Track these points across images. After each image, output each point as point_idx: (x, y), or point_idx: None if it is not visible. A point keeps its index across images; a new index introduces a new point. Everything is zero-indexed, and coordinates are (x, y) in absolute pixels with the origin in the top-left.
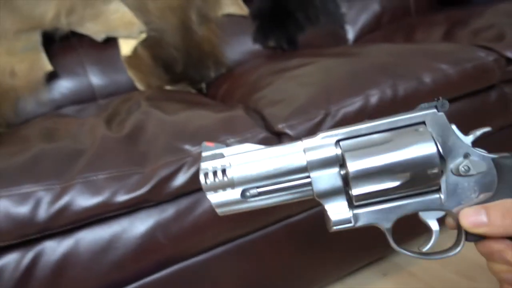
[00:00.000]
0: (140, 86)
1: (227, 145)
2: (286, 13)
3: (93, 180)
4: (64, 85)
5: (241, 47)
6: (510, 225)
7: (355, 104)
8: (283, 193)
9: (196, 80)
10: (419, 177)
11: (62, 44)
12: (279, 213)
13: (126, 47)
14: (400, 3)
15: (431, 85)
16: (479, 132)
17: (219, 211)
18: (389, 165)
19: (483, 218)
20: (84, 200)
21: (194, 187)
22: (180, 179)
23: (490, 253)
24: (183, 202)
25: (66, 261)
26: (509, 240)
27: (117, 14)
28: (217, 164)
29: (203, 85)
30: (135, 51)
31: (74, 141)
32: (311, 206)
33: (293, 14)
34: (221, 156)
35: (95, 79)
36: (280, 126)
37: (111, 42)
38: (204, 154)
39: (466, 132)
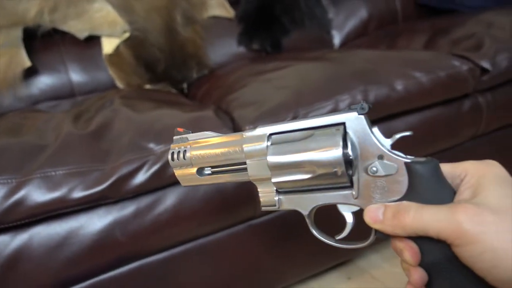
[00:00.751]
0: (120, 84)
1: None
2: (271, 17)
3: (51, 175)
4: (43, 81)
5: (225, 49)
6: (397, 225)
7: (324, 108)
8: (229, 174)
9: (178, 80)
10: (327, 174)
11: (44, 41)
12: (243, 214)
13: (109, 45)
14: (388, 10)
15: (402, 92)
16: (398, 135)
17: (182, 184)
18: (299, 161)
19: (380, 215)
20: (40, 195)
21: (155, 186)
22: (141, 177)
23: (395, 251)
24: (144, 200)
25: (19, 255)
26: (410, 240)
27: (101, 13)
28: (181, 146)
29: (185, 86)
30: (117, 49)
31: (38, 137)
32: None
33: (278, 17)
34: (186, 140)
35: (75, 76)
36: (247, 128)
37: (93, 40)
38: (175, 137)
39: (438, 137)
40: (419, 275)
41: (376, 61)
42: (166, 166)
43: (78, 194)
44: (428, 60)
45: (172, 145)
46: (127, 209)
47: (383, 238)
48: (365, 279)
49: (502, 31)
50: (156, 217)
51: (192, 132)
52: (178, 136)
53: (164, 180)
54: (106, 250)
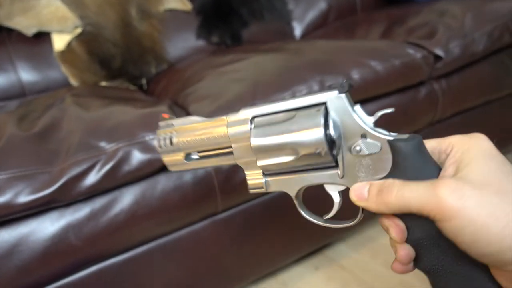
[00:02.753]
0: (74, 82)
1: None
2: (229, 9)
3: None
4: None
5: (184, 43)
6: (381, 203)
7: None
8: (216, 158)
9: (136, 76)
10: (310, 155)
11: None
12: (204, 211)
13: (60, 42)
14: (346, 1)
15: (359, 81)
16: (380, 113)
17: (170, 169)
18: (282, 144)
19: (365, 193)
20: None
21: (108, 186)
22: (92, 178)
23: (383, 228)
24: (98, 202)
25: None
26: (396, 217)
27: (50, 8)
28: (167, 132)
29: (144, 81)
30: (69, 46)
31: None
32: (237, 203)
33: (236, 10)
34: (172, 125)
35: (25, 75)
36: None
37: (43, 37)
38: (160, 123)
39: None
40: (405, 252)
41: (333, 51)
42: (119, 165)
43: (24, 198)
44: (384, 49)
45: (157, 131)
46: (81, 211)
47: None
48: (333, 269)
49: (455, 19)
50: (112, 218)
51: (176, 118)
52: (164, 122)
53: (118, 179)
54: (60, 256)
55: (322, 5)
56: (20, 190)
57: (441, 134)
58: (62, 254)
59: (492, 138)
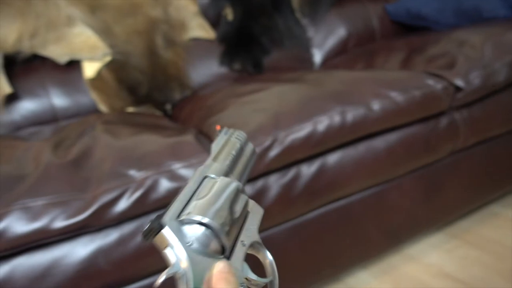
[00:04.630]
0: (103, 107)
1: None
2: (251, 37)
3: (31, 206)
4: (25, 107)
5: (207, 69)
6: None
7: (303, 130)
8: None
9: (160, 102)
10: None
11: (24, 66)
12: None
13: (90, 69)
14: (365, 28)
15: (379, 113)
16: None
17: None
18: None
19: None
20: (20, 227)
21: (137, 212)
22: (123, 205)
23: None
24: (127, 227)
25: None
26: None
27: (81, 37)
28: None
29: (168, 107)
30: (99, 73)
31: (16, 166)
32: None
33: (257, 38)
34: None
35: (57, 100)
36: None
37: (74, 64)
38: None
39: None
40: None
41: (353, 82)
42: (147, 192)
43: (59, 224)
44: (403, 80)
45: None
46: (110, 236)
47: None
48: None
49: (474, 50)
50: (140, 244)
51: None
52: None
53: (146, 206)
54: (90, 279)
55: (341, 32)
56: (56, 216)
57: (464, 163)
58: (92, 278)
59: None
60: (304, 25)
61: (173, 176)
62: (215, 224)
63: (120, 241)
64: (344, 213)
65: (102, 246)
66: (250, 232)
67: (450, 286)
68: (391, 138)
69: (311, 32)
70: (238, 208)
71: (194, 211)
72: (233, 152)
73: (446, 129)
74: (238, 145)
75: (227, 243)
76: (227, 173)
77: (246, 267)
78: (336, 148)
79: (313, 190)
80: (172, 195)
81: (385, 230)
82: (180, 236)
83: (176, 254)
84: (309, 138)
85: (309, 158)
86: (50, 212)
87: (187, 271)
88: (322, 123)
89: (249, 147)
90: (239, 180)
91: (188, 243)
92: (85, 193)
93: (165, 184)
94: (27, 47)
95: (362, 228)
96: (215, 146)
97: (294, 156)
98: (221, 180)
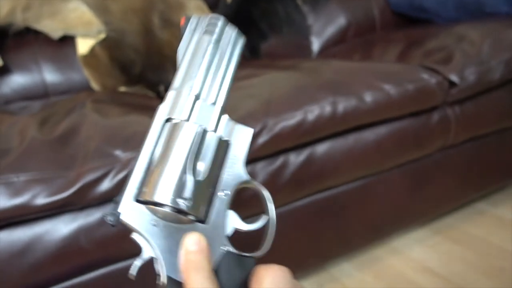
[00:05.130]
0: (95, 85)
1: None
2: (249, 22)
3: (14, 181)
4: (16, 81)
5: None
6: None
7: (293, 118)
8: None
9: (154, 83)
10: None
11: (16, 40)
12: None
13: (83, 46)
14: (366, 18)
15: (371, 104)
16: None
17: None
18: None
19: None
20: (2, 201)
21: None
22: (106, 185)
23: None
24: (110, 208)
25: None
26: None
27: (76, 13)
28: None
29: (162, 88)
30: (92, 50)
31: (0, 140)
32: None
33: (256, 23)
34: None
35: (49, 76)
36: None
37: (68, 40)
38: None
39: None
40: None
41: (347, 72)
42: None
43: (41, 200)
44: (398, 73)
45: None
46: (93, 216)
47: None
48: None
49: (472, 46)
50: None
51: None
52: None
53: None
54: (70, 257)
55: (341, 21)
56: (38, 193)
57: (453, 159)
58: (72, 256)
59: (506, 166)
60: (304, 12)
61: None
62: (168, 202)
63: (102, 221)
64: (330, 203)
65: (84, 225)
66: (233, 173)
67: (431, 281)
68: (381, 130)
69: (310, 19)
70: (207, 160)
71: (149, 189)
72: (200, 58)
73: (437, 124)
74: (210, 44)
75: (194, 212)
76: (198, 95)
77: (232, 217)
78: (325, 138)
79: (300, 179)
80: None
81: (370, 223)
82: (141, 219)
83: (140, 242)
84: (299, 127)
85: (298, 147)
86: (33, 189)
87: (158, 256)
88: (312, 112)
89: (229, 33)
90: (219, 88)
91: (153, 223)
92: (69, 171)
93: None
94: (19, 20)
95: (347, 219)
96: (180, 54)
97: (282, 144)
98: (180, 130)
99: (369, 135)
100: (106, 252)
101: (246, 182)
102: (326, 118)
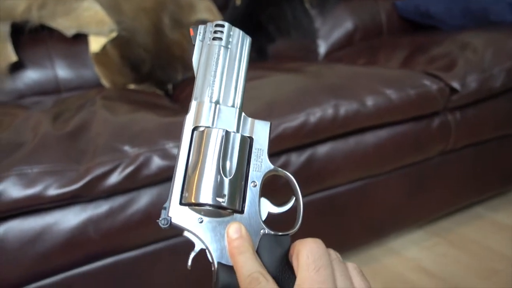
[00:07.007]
0: (105, 82)
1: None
2: (257, 24)
3: (27, 173)
4: (29, 76)
5: None
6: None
7: (296, 120)
8: None
9: (162, 81)
10: None
11: (31, 36)
12: None
13: (95, 44)
14: (373, 22)
15: (372, 108)
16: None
17: None
18: None
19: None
20: (16, 191)
21: (128, 187)
22: (114, 178)
23: None
24: (118, 200)
25: None
26: None
27: (89, 12)
28: None
29: (170, 87)
30: (104, 48)
31: (15, 134)
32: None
33: (264, 25)
34: None
35: (61, 72)
36: None
37: (80, 38)
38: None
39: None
40: None
41: (350, 76)
42: (139, 168)
43: (52, 192)
44: (400, 78)
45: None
46: (101, 208)
47: None
48: None
49: (475, 53)
50: (129, 217)
51: None
52: None
53: (137, 182)
54: (78, 247)
55: (348, 25)
56: (50, 184)
57: (452, 164)
58: (80, 246)
59: (505, 172)
60: (312, 16)
61: (165, 154)
62: (209, 201)
63: (110, 213)
64: (328, 203)
65: (92, 216)
66: (260, 164)
67: (426, 281)
68: (382, 134)
69: (318, 23)
70: (234, 158)
71: (191, 193)
72: (213, 65)
73: (437, 129)
74: (220, 50)
75: (232, 206)
76: (217, 101)
77: (265, 203)
78: (327, 139)
79: (301, 179)
80: (163, 173)
81: (368, 223)
82: (189, 219)
83: (191, 238)
84: (301, 128)
85: (299, 147)
86: (45, 180)
87: (207, 247)
88: (314, 115)
89: (236, 35)
90: (236, 90)
91: (199, 220)
92: (79, 165)
93: (157, 162)
94: (35, 17)
95: (345, 219)
96: (195, 65)
97: (284, 144)
98: (206, 137)
99: (370, 138)
100: (112, 243)
101: (272, 170)
102: (327, 121)
